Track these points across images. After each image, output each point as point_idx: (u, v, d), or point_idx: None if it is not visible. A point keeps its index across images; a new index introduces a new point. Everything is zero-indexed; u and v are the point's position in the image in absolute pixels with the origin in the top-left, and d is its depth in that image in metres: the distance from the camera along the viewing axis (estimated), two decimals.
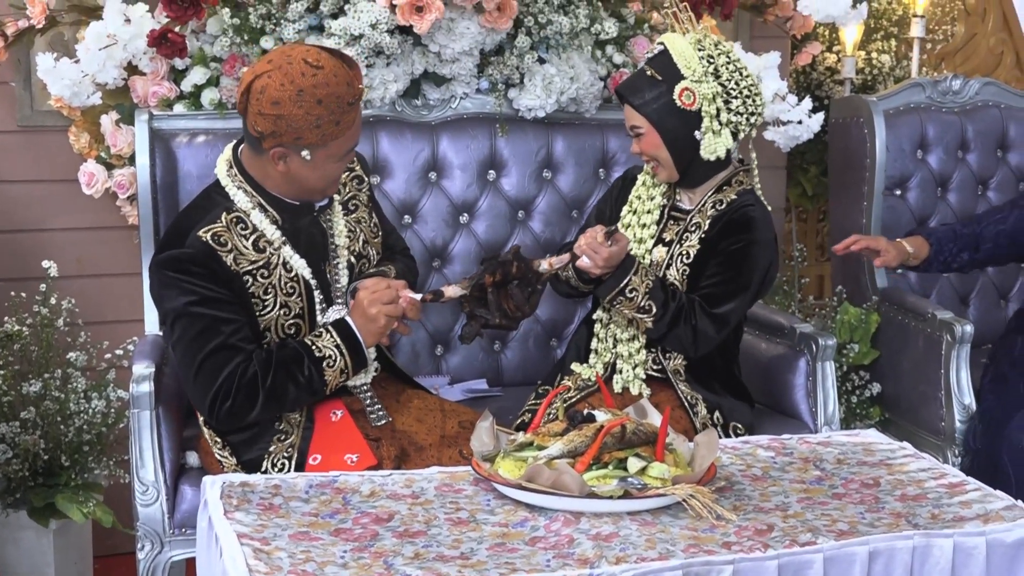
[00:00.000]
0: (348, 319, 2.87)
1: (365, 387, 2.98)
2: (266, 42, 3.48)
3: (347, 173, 3.06)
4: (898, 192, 4.23)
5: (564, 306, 3.77)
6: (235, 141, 2.94)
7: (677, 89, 3.09)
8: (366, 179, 3.11)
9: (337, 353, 2.84)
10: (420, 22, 3.43)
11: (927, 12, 4.79)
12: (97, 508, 3.54)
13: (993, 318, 4.27)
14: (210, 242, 2.79)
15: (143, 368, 3.02)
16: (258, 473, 2.85)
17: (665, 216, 3.25)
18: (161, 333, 3.34)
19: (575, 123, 3.78)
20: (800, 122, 3.84)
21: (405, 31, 3.50)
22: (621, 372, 3.21)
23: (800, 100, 3.85)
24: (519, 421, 3.19)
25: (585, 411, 2.54)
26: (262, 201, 2.87)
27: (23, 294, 3.67)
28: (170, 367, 3.22)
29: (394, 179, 3.65)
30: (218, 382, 2.78)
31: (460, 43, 3.55)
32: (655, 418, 2.58)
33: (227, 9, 3.46)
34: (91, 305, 3.87)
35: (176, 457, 3.09)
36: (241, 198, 2.86)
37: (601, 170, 3.79)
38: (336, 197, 3.00)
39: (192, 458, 3.13)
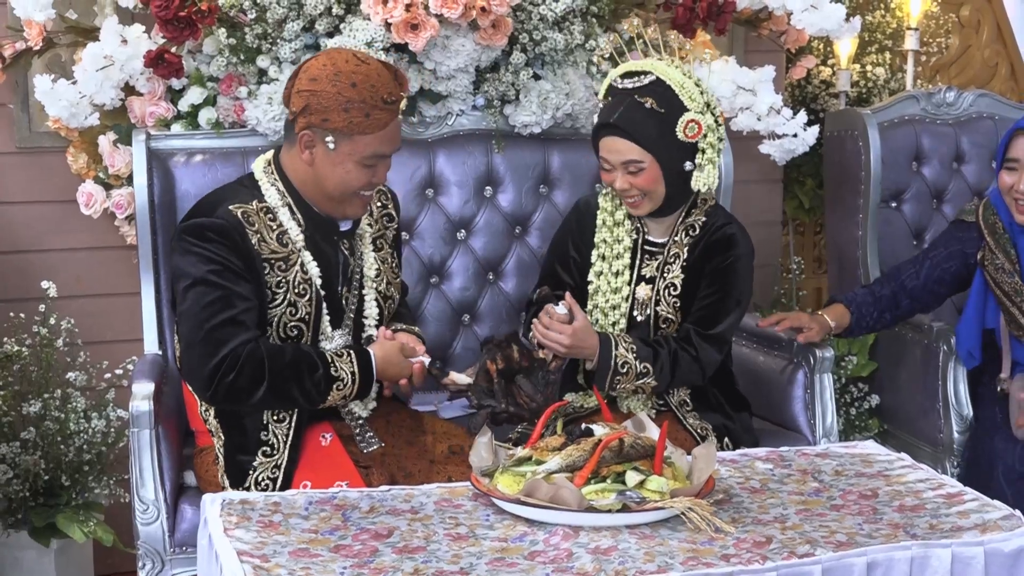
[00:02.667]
0: (373, 355, 2.90)
1: (359, 416, 2.98)
2: (262, 61, 3.50)
3: (379, 207, 3.08)
4: (894, 204, 4.24)
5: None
6: (277, 147, 2.98)
7: (682, 121, 3.03)
8: (395, 218, 3.13)
9: (350, 379, 2.86)
10: (415, 40, 3.44)
11: (921, 25, 4.81)
12: (98, 527, 3.54)
13: None
14: (239, 217, 2.82)
15: (143, 387, 3.02)
16: (241, 488, 2.86)
17: (638, 252, 3.23)
18: (160, 351, 3.37)
19: (571, 139, 3.79)
20: (795, 135, 3.85)
21: (401, 49, 3.52)
22: (627, 406, 3.20)
23: (795, 113, 3.86)
24: (518, 435, 3.19)
25: (583, 425, 2.55)
26: (291, 202, 2.89)
27: (22, 314, 3.68)
28: (170, 386, 3.23)
29: None
30: (222, 353, 2.77)
31: (455, 60, 3.56)
32: (653, 432, 2.58)
33: (223, 29, 3.47)
34: (90, 325, 3.87)
35: (176, 476, 3.09)
36: (273, 194, 2.89)
37: (597, 185, 3.80)
38: (368, 230, 3.02)
39: (191, 477, 3.14)
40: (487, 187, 3.75)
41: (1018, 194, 3.29)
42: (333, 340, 2.93)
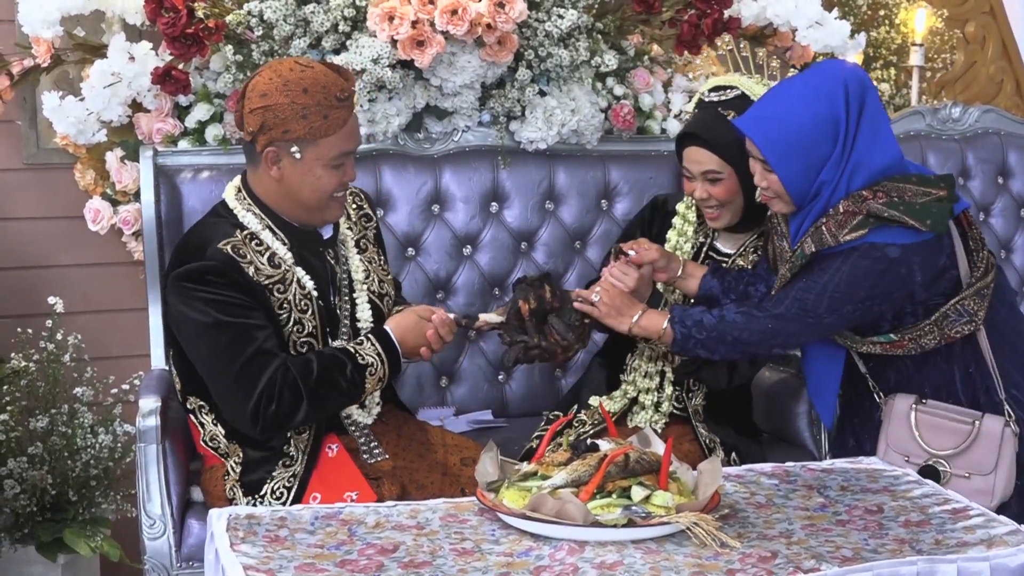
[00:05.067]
0: (388, 329, 2.90)
1: (364, 426, 2.98)
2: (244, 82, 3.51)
3: (355, 209, 3.08)
4: None
5: None
6: (243, 173, 2.96)
7: None
8: (374, 217, 3.13)
9: (378, 361, 2.87)
10: (421, 56, 3.46)
11: (926, 41, 4.82)
12: (104, 542, 3.55)
13: None
14: (231, 253, 2.82)
15: (150, 402, 3.03)
16: (256, 496, 2.87)
17: (702, 257, 3.26)
18: (167, 366, 3.37)
19: (577, 155, 3.80)
20: None
21: (407, 65, 3.53)
22: (645, 408, 3.21)
23: None
24: (528, 447, 3.19)
25: (589, 440, 2.55)
26: (271, 224, 2.89)
27: (30, 330, 3.69)
28: (176, 401, 3.23)
29: (397, 212, 3.67)
30: (259, 388, 2.77)
31: (461, 77, 3.58)
32: (658, 447, 2.58)
33: (230, 46, 3.49)
34: (97, 340, 3.88)
35: (183, 491, 3.10)
36: (251, 220, 2.89)
37: (603, 201, 3.81)
38: (349, 234, 3.02)
39: (198, 492, 3.14)
40: (493, 203, 3.75)
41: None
42: None
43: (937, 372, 3.00)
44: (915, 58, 4.70)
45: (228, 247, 2.82)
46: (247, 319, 2.79)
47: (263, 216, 2.89)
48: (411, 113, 3.65)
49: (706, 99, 3.17)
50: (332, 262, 2.97)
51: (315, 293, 2.90)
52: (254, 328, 2.79)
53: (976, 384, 2.99)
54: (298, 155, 2.80)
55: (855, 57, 4.54)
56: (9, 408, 3.58)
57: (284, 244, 2.89)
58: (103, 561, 3.76)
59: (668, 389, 3.23)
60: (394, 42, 3.45)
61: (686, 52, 3.84)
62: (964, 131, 4.29)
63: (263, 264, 2.85)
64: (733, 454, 3.19)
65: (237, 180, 2.96)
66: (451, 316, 2.96)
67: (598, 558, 2.28)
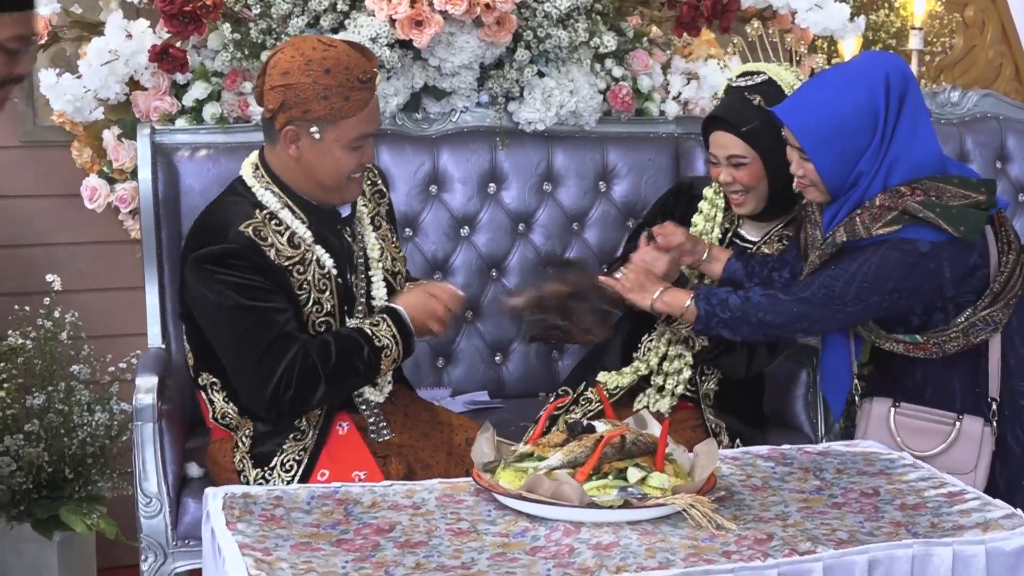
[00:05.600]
0: (400, 309, 2.90)
1: (375, 405, 2.98)
2: (267, 56, 3.50)
3: (369, 186, 3.07)
4: None
5: None
6: (260, 148, 2.95)
7: None
8: (386, 193, 3.13)
9: (393, 343, 2.87)
10: (420, 36, 3.45)
11: (925, 24, 4.80)
12: (101, 520, 3.55)
13: None
14: (252, 236, 2.81)
15: (146, 381, 3.04)
16: (265, 468, 2.87)
17: (726, 243, 3.27)
18: (163, 344, 3.38)
19: (575, 136, 3.80)
20: None
21: (405, 45, 3.52)
22: (665, 386, 3.22)
23: None
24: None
25: (585, 422, 2.55)
26: (290, 202, 2.88)
27: (27, 308, 3.69)
28: (173, 380, 3.24)
29: (395, 192, 3.66)
30: (278, 372, 2.77)
31: (460, 57, 3.57)
32: (655, 429, 2.59)
33: (228, 24, 3.48)
34: (94, 319, 3.88)
35: (179, 469, 3.10)
36: (269, 198, 2.88)
37: (601, 183, 3.81)
38: (364, 210, 3.01)
39: (194, 470, 3.15)
40: (491, 184, 3.75)
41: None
42: None
43: (946, 376, 3.00)
44: (914, 42, 4.69)
45: (249, 229, 2.81)
46: (268, 303, 2.79)
47: (281, 195, 2.88)
48: (409, 93, 3.64)
49: (733, 84, 3.17)
50: (349, 240, 2.97)
51: (334, 271, 2.90)
52: (275, 312, 2.79)
53: (975, 384, 2.99)
54: (317, 135, 2.78)
55: (854, 40, 4.54)
56: (6, 386, 3.58)
57: (303, 223, 2.88)
58: (99, 539, 3.77)
59: (686, 372, 3.23)
60: (393, 21, 3.44)
61: (685, 34, 3.84)
62: (963, 115, 4.28)
63: (283, 245, 2.84)
64: (738, 440, 3.19)
65: (254, 156, 2.94)
66: (460, 292, 2.98)
67: (594, 539, 2.28)
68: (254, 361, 2.79)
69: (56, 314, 3.65)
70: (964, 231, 2.80)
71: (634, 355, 3.29)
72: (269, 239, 2.83)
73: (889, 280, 2.84)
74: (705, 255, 3.16)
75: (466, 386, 3.72)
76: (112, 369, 3.70)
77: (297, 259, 2.86)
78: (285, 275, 2.83)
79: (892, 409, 3.03)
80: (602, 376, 3.27)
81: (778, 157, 3.03)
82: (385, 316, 2.89)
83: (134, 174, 3.59)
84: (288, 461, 2.88)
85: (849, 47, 4.66)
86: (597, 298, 2.99)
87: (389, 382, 3.02)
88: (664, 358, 3.24)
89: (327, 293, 2.89)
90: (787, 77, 3.13)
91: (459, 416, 3.18)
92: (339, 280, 2.91)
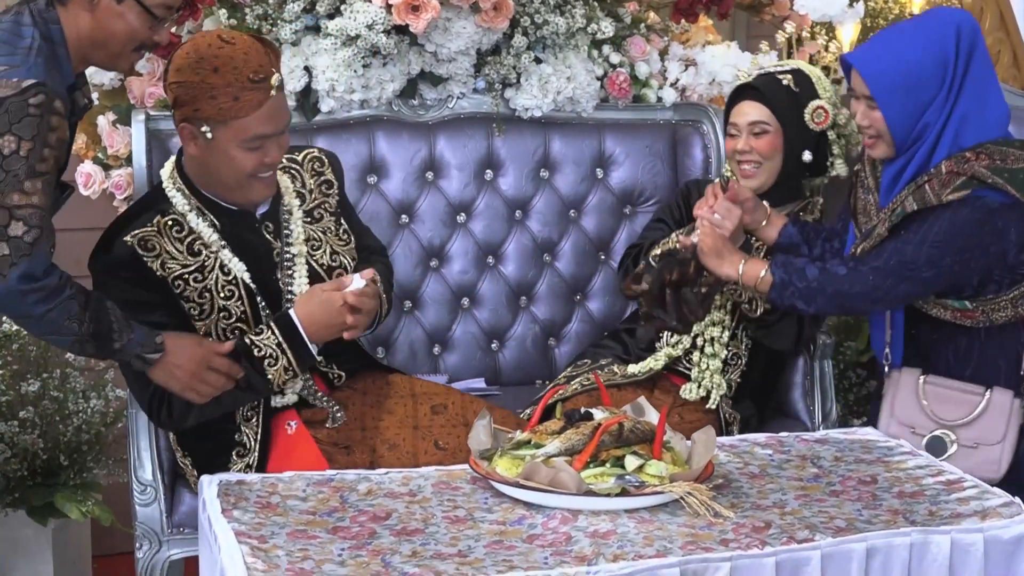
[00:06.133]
0: (292, 314, 2.78)
1: (319, 394, 2.91)
2: None
3: (314, 177, 3.00)
4: None
5: (562, 306, 3.77)
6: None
7: (812, 105, 3.25)
8: (336, 183, 3.03)
9: (279, 352, 2.76)
10: (416, 22, 3.43)
11: (924, 11, 4.79)
12: (96, 507, 3.54)
13: None
14: (136, 247, 2.75)
15: None
16: None
17: None
18: None
19: (572, 123, 3.78)
20: None
21: (401, 31, 3.51)
22: (706, 379, 3.25)
23: None
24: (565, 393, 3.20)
25: (583, 409, 2.55)
26: (199, 204, 2.83)
27: None
28: None
29: (391, 179, 3.65)
30: (151, 388, 2.75)
31: (456, 43, 3.55)
32: (652, 416, 2.58)
33: (223, 10, 3.46)
34: None
35: (174, 457, 3.09)
36: (179, 200, 2.83)
37: (598, 169, 3.79)
38: (297, 203, 2.94)
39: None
40: (487, 170, 3.74)
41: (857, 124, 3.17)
42: None
43: (990, 347, 3.02)
44: None
45: (135, 239, 2.75)
46: (146, 317, 2.71)
47: (191, 196, 2.83)
48: (405, 79, 3.62)
49: (762, 72, 3.35)
50: (270, 237, 2.89)
51: (245, 276, 2.82)
52: (152, 327, 2.71)
53: (1018, 358, 3.02)
54: (209, 135, 2.70)
55: (852, 26, 4.53)
56: (1, 372, 3.57)
57: (213, 227, 2.82)
58: (94, 526, 3.76)
59: (718, 357, 3.26)
60: (389, 7, 3.43)
61: (683, 20, 3.82)
62: None
63: (178, 253, 2.78)
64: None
65: (173, 158, 2.90)
66: (357, 277, 2.78)
67: (591, 527, 2.28)
68: (131, 377, 2.79)
69: None
70: None
71: (657, 345, 3.30)
72: (157, 249, 2.76)
73: (959, 237, 2.87)
74: (765, 220, 3.18)
75: (462, 373, 3.71)
76: None
77: (195, 267, 2.79)
78: (169, 288, 2.77)
79: (922, 378, 3.04)
80: (632, 368, 3.27)
81: (796, 136, 3.21)
82: (272, 324, 2.79)
83: (129, 160, 3.57)
84: None
85: (848, 33, 4.65)
86: (708, 284, 3.01)
87: (303, 383, 2.90)
88: (692, 347, 3.26)
89: (235, 300, 2.82)
90: (814, 69, 3.32)
91: (422, 384, 3.08)
92: (252, 284, 2.83)
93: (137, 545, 3.04)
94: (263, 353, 2.76)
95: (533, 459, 2.41)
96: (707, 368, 3.24)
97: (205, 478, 2.51)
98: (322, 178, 3.01)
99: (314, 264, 2.91)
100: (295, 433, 2.87)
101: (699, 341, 3.26)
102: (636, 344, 3.36)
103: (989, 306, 2.96)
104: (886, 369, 3.12)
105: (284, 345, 2.77)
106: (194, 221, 2.81)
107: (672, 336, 3.27)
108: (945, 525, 2.29)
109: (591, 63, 3.73)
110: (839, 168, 3.36)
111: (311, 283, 2.88)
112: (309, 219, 2.95)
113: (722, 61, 3.76)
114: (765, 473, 2.57)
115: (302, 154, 3.01)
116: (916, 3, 4.72)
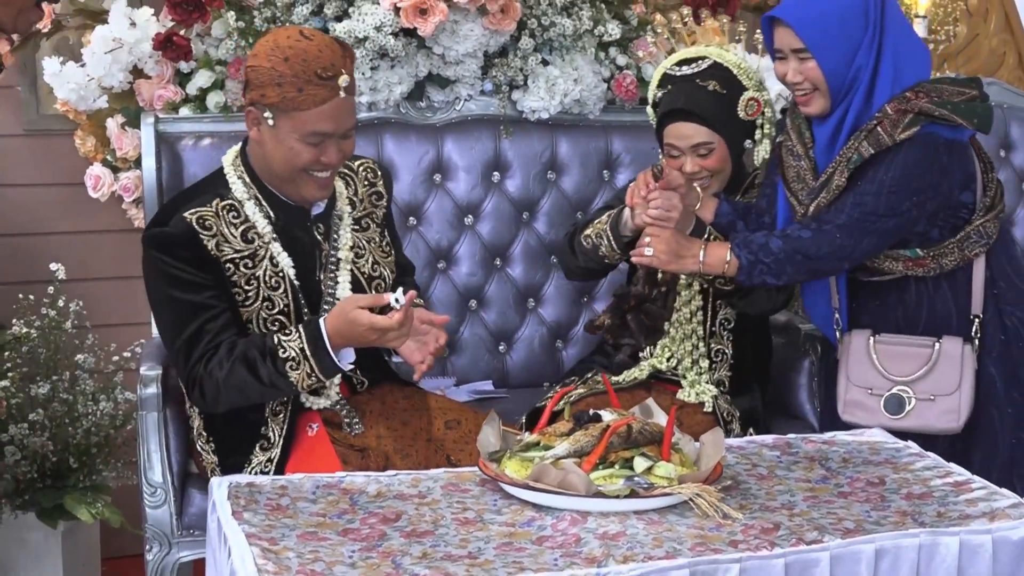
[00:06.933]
0: (321, 322, 2.76)
1: (340, 401, 2.94)
2: None
3: (366, 187, 3.04)
4: None
5: (570, 308, 3.78)
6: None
7: (743, 100, 3.15)
8: (385, 195, 3.07)
9: (301, 357, 2.75)
10: (424, 24, 3.44)
11: (929, 13, 4.80)
12: (105, 509, 3.55)
13: None
14: (194, 224, 2.79)
15: (151, 370, 3.04)
16: None
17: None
18: None
19: (579, 125, 3.79)
20: None
21: (409, 33, 3.52)
22: (692, 383, 3.23)
23: None
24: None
25: (591, 411, 2.55)
26: (258, 194, 2.87)
27: (31, 297, 3.69)
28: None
29: (399, 181, 3.66)
30: (188, 368, 2.78)
31: (464, 45, 3.56)
32: (661, 418, 2.58)
33: (232, 12, 3.47)
34: (98, 308, 3.88)
35: (184, 459, 3.10)
36: (239, 187, 2.86)
37: (605, 171, 3.80)
38: (348, 210, 2.98)
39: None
40: (495, 172, 3.75)
41: (787, 84, 3.09)
42: None
43: (940, 296, 3.05)
44: (918, 30, 4.68)
45: (193, 217, 2.79)
46: (194, 296, 2.76)
47: (251, 185, 2.87)
48: (413, 81, 3.64)
49: (677, 73, 3.20)
50: (320, 238, 2.93)
51: (291, 271, 2.86)
52: (199, 307, 2.77)
53: (965, 303, 3.05)
54: (271, 122, 2.75)
55: None
56: (10, 375, 3.58)
57: (267, 218, 2.85)
58: (103, 528, 3.77)
59: (703, 363, 3.24)
60: (397, 10, 3.44)
61: (689, 22, 3.83)
62: None
63: (233, 237, 2.82)
64: (751, 430, 3.19)
65: (239, 145, 2.94)
66: (398, 302, 2.66)
67: (600, 528, 2.28)
68: (174, 353, 2.82)
69: (60, 303, 3.65)
70: (978, 123, 2.91)
71: (641, 355, 3.29)
72: (214, 229, 2.80)
73: (912, 179, 2.90)
74: (699, 203, 3.14)
75: (470, 375, 3.72)
76: (116, 358, 3.70)
77: (247, 253, 2.83)
78: (221, 270, 2.80)
79: (871, 339, 3.06)
80: (615, 378, 3.25)
81: (737, 135, 3.15)
82: (300, 327, 2.79)
83: (138, 163, 3.59)
84: (255, 473, 2.86)
85: None
86: (660, 294, 3.01)
87: (338, 391, 2.92)
88: (672, 356, 3.24)
89: (279, 292, 2.85)
90: (730, 57, 3.18)
91: (439, 399, 3.11)
92: (296, 280, 2.87)
93: (147, 547, 3.05)
94: (287, 355, 2.77)
95: (542, 461, 2.41)
96: (694, 379, 3.23)
97: (215, 480, 2.52)
98: (373, 188, 3.05)
99: (356, 271, 2.95)
100: (315, 435, 2.90)
101: (676, 358, 3.24)
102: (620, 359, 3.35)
103: (938, 251, 2.99)
104: (838, 335, 3.11)
105: (307, 351, 2.76)
106: (251, 209, 2.85)
107: (648, 351, 3.25)
108: (954, 526, 2.29)
109: (598, 65, 3.74)
110: (761, 155, 3.25)
111: (353, 290, 2.91)
112: (357, 227, 2.99)
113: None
114: (773, 474, 2.58)
115: (358, 163, 3.05)
116: (922, 5, 4.73)
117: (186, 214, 2.80)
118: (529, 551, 2.20)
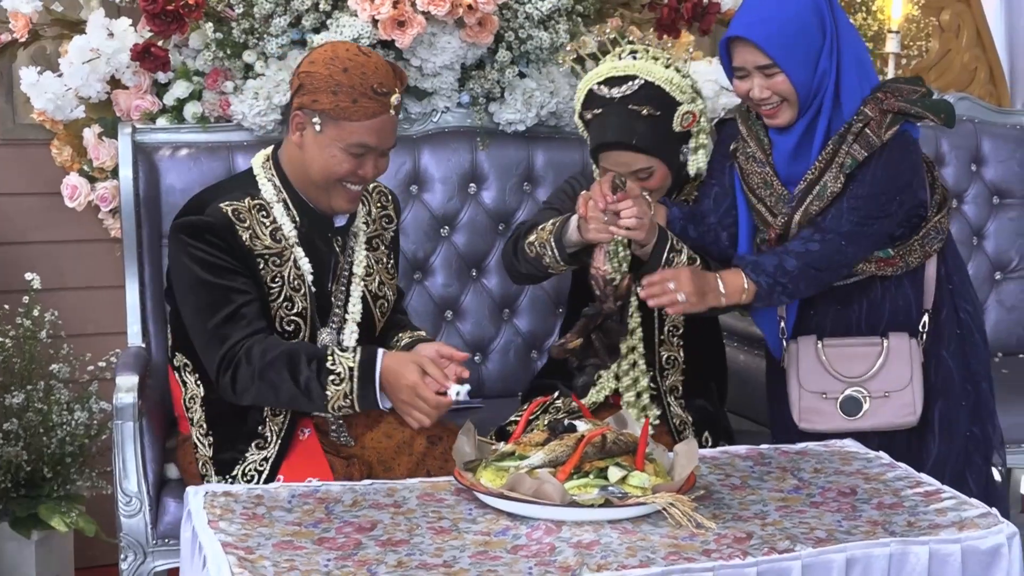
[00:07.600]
0: (379, 352, 2.78)
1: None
2: (248, 56, 3.51)
3: (378, 208, 3.09)
4: None
5: (545, 319, 3.79)
6: (278, 143, 2.99)
7: (678, 116, 3.03)
8: (394, 219, 3.14)
9: (347, 375, 2.76)
10: (402, 37, 3.46)
11: (902, 28, 4.84)
12: (80, 518, 3.55)
13: None
14: (230, 215, 2.84)
15: (127, 380, 3.04)
16: (227, 476, 2.89)
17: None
18: (144, 344, 3.38)
19: (555, 137, 3.81)
20: None
21: (387, 45, 3.53)
22: (634, 397, 3.21)
23: None
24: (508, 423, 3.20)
25: (566, 421, 2.57)
26: (287, 197, 2.91)
27: (6, 306, 3.68)
28: (153, 379, 3.24)
29: None
30: (223, 350, 2.80)
31: (441, 57, 3.58)
32: (635, 428, 2.60)
33: (210, 24, 3.48)
34: (74, 317, 3.87)
35: (159, 468, 3.10)
36: (269, 189, 2.92)
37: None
38: (364, 228, 3.03)
39: (173, 471, 3.15)
40: (471, 184, 3.76)
41: (751, 101, 3.05)
42: (320, 337, 2.94)
43: (902, 291, 3.09)
44: (891, 45, 4.72)
45: (229, 208, 2.85)
46: (230, 282, 2.82)
47: (281, 188, 2.92)
48: None
49: (606, 95, 3.03)
50: (339, 250, 2.98)
51: (310, 277, 2.92)
52: (234, 291, 2.82)
53: (917, 304, 3.09)
54: (319, 127, 2.81)
55: None
56: None
57: (293, 222, 2.91)
58: (77, 538, 3.76)
59: (643, 380, 3.21)
60: (375, 22, 3.45)
61: (665, 36, 3.85)
62: None
63: (263, 235, 2.88)
64: (706, 433, 3.19)
65: (270, 149, 3.00)
66: (459, 397, 2.76)
67: (575, 537, 2.30)
68: (207, 336, 2.83)
69: (35, 312, 3.64)
70: (945, 118, 3.01)
71: (597, 376, 3.20)
72: (248, 223, 2.86)
73: (896, 178, 2.96)
74: (652, 210, 3.02)
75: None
76: (92, 368, 3.69)
77: (275, 252, 2.89)
78: (254, 260, 2.85)
79: (819, 343, 3.07)
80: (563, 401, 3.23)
81: (674, 150, 3.09)
82: (357, 349, 2.81)
83: (115, 173, 3.59)
84: (249, 470, 2.89)
85: None
86: (622, 309, 2.95)
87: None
88: (618, 377, 3.21)
89: (300, 294, 2.90)
90: (659, 73, 3.03)
91: None
92: (313, 287, 2.92)
93: (122, 556, 3.05)
94: (335, 368, 2.77)
95: (517, 470, 2.43)
96: (631, 400, 3.19)
97: (191, 489, 2.52)
98: (384, 211, 3.12)
99: (365, 289, 3.00)
100: (307, 440, 2.94)
101: (623, 382, 3.20)
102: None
103: (904, 249, 3.04)
104: (784, 344, 3.11)
105: (356, 372, 2.77)
106: (278, 211, 2.90)
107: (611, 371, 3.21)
108: (924, 536, 2.32)
109: (574, 78, 3.76)
110: (697, 164, 3.12)
111: (361, 307, 2.97)
112: (368, 246, 3.04)
113: (703, 76, 3.79)
114: (746, 484, 2.60)
115: (372, 186, 3.10)
116: (894, 20, 4.77)
117: (222, 205, 2.85)
118: (504, 560, 2.21)
